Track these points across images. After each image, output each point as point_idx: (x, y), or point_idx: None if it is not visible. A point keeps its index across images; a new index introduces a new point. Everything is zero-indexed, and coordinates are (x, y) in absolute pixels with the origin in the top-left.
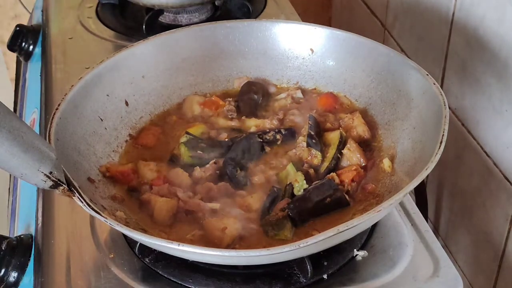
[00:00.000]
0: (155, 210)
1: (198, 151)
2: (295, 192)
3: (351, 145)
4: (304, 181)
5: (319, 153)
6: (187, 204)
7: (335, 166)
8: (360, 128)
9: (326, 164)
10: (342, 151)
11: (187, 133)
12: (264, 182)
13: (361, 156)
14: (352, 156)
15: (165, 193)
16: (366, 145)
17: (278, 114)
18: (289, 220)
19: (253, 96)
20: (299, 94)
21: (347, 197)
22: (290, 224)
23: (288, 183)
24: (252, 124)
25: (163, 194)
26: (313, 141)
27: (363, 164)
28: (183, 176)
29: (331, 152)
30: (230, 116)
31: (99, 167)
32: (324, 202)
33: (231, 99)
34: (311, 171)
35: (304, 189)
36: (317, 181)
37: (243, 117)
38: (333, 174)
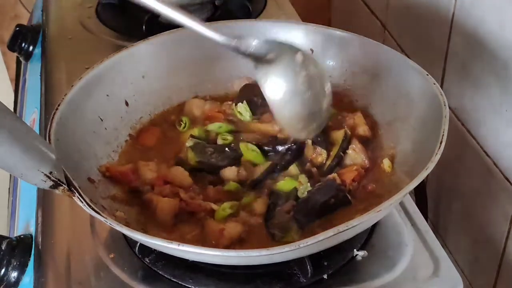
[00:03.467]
0: (157, 210)
1: (206, 157)
2: (299, 194)
3: (356, 146)
4: (308, 184)
5: (324, 151)
6: (189, 205)
7: (337, 164)
8: (361, 128)
9: (328, 162)
10: (347, 151)
11: (192, 136)
12: (268, 186)
13: (366, 157)
14: (357, 157)
15: (167, 194)
16: (367, 145)
17: None
18: (295, 222)
19: (253, 99)
20: None
21: (349, 196)
22: (296, 226)
23: (292, 186)
24: (252, 127)
25: (165, 195)
26: (319, 139)
27: (368, 165)
28: (183, 176)
29: (334, 150)
30: (230, 119)
31: (99, 167)
32: (328, 203)
33: (230, 103)
34: (314, 169)
35: (308, 191)
36: (319, 183)
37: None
38: (334, 174)
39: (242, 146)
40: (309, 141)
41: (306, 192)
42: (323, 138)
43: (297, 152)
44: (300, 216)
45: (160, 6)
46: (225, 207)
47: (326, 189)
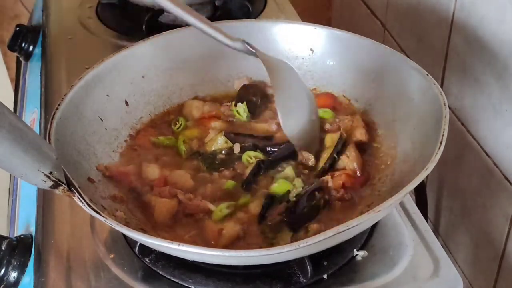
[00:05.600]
0: (155, 211)
1: (218, 167)
2: (290, 198)
3: (350, 153)
4: (301, 188)
5: (311, 155)
6: (188, 207)
7: (330, 167)
8: (358, 131)
9: (321, 164)
10: (341, 156)
11: (198, 153)
12: (265, 187)
13: (359, 166)
14: (349, 164)
15: (166, 195)
16: (365, 148)
17: (276, 118)
18: (286, 224)
19: (251, 99)
20: None
21: (329, 200)
22: (288, 228)
23: (286, 189)
24: (249, 127)
25: (164, 196)
26: None
27: (358, 174)
28: (185, 179)
29: (328, 152)
30: (229, 120)
31: (97, 166)
32: (313, 206)
33: (229, 104)
34: (306, 171)
35: (296, 195)
36: (307, 186)
37: (243, 122)
38: (328, 176)
39: (245, 157)
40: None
41: (295, 197)
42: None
43: (286, 151)
44: (290, 219)
45: (169, 4)
46: (222, 208)
47: (311, 192)
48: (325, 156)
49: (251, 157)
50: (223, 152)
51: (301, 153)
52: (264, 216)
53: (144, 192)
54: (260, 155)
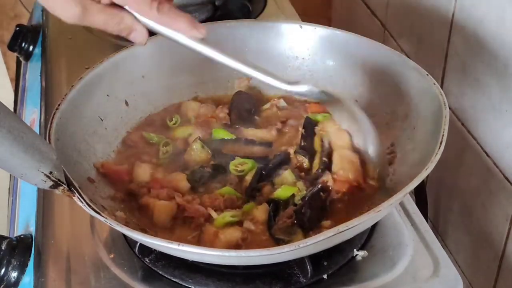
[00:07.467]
0: (154, 213)
1: (203, 182)
2: (296, 201)
3: (344, 154)
4: (305, 191)
5: (306, 158)
6: (187, 209)
7: (325, 169)
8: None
9: (316, 167)
10: (334, 158)
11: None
12: (265, 193)
13: (355, 167)
14: (345, 165)
15: (164, 197)
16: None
17: (276, 124)
18: (298, 226)
19: (243, 106)
20: (282, 103)
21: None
22: (300, 229)
23: (290, 193)
24: (249, 133)
25: (162, 198)
26: (302, 144)
27: (356, 174)
28: (182, 180)
29: (318, 156)
30: (225, 123)
31: (94, 163)
32: (321, 207)
33: (222, 107)
34: (302, 174)
35: (302, 198)
36: (310, 188)
37: (239, 126)
38: (328, 176)
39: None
40: (291, 151)
41: (300, 199)
42: (304, 145)
43: (283, 158)
44: (302, 221)
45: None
46: (226, 215)
47: (316, 193)
48: (316, 161)
49: (237, 165)
50: (209, 167)
51: (296, 156)
52: (273, 222)
53: (141, 195)
54: (247, 161)
